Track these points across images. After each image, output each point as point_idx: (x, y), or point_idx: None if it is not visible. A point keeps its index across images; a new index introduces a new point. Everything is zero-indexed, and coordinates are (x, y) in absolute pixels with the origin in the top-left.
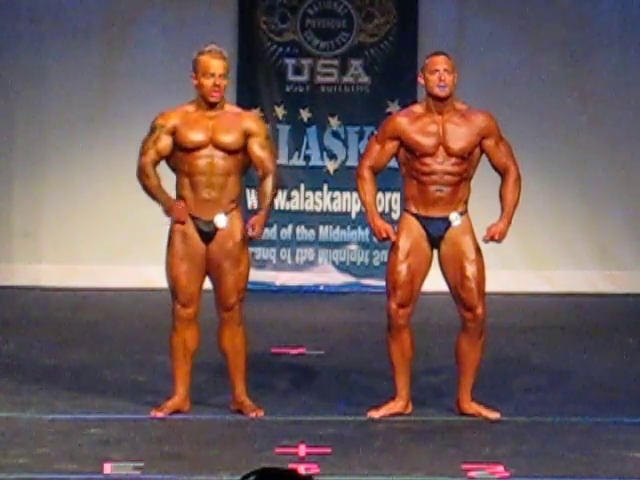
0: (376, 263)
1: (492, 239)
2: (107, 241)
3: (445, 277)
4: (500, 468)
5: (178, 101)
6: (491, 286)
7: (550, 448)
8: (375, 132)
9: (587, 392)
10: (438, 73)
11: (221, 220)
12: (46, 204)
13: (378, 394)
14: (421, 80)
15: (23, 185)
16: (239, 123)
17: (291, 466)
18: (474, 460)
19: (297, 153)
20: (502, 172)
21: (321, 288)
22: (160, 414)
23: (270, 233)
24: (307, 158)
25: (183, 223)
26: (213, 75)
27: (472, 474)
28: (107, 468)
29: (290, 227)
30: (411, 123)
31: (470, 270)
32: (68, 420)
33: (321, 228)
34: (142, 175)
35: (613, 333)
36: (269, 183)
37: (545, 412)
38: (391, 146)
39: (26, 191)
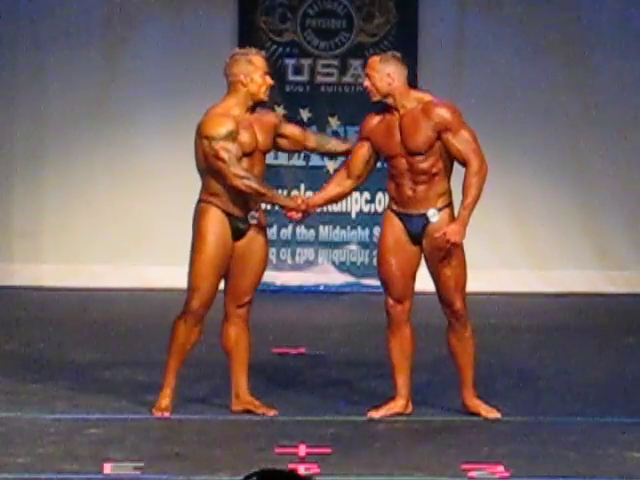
0: (376, 263)
1: (448, 242)
2: (107, 241)
3: (429, 272)
4: (500, 468)
5: (178, 101)
6: (491, 286)
7: (550, 448)
8: None
9: (587, 392)
10: (366, 78)
11: (254, 216)
12: (46, 204)
13: (378, 394)
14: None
15: (23, 185)
16: (269, 123)
17: (291, 466)
18: (474, 460)
19: (297, 153)
20: (464, 166)
21: (321, 288)
22: (167, 414)
23: (270, 233)
24: (307, 158)
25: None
26: (267, 74)
27: (472, 474)
28: (107, 468)
29: (290, 227)
30: (378, 124)
31: (449, 268)
32: (68, 420)
33: (321, 228)
34: (242, 182)
35: (613, 333)
36: (323, 134)
37: (545, 412)
38: (364, 147)
39: (26, 191)
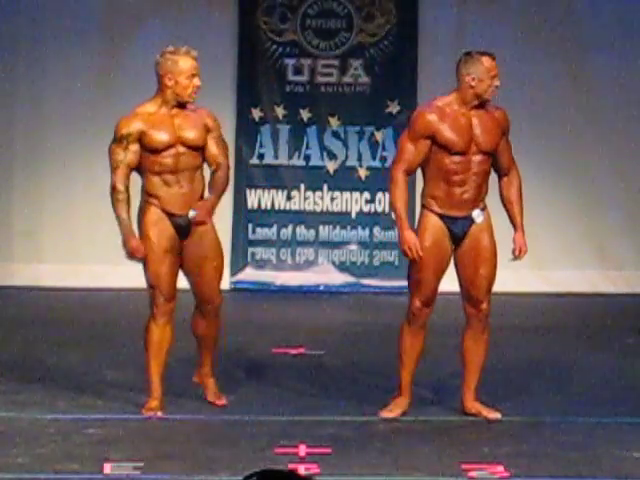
0: (376, 263)
1: (520, 253)
2: (107, 241)
3: (457, 272)
4: (500, 468)
5: None
6: None
7: (550, 448)
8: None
9: (587, 392)
10: (496, 79)
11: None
12: (46, 204)
13: (378, 394)
14: (471, 81)
15: (23, 185)
16: (199, 120)
17: (291, 466)
18: (474, 460)
19: (297, 153)
20: (505, 172)
21: (321, 288)
22: (160, 413)
23: (270, 233)
24: (307, 158)
25: (139, 260)
26: (194, 76)
27: (472, 474)
28: (107, 468)
29: (290, 227)
30: (442, 119)
31: (484, 268)
32: (68, 420)
33: (321, 228)
34: (115, 197)
35: (613, 333)
36: (222, 176)
37: (545, 412)
38: (424, 145)
39: (26, 191)
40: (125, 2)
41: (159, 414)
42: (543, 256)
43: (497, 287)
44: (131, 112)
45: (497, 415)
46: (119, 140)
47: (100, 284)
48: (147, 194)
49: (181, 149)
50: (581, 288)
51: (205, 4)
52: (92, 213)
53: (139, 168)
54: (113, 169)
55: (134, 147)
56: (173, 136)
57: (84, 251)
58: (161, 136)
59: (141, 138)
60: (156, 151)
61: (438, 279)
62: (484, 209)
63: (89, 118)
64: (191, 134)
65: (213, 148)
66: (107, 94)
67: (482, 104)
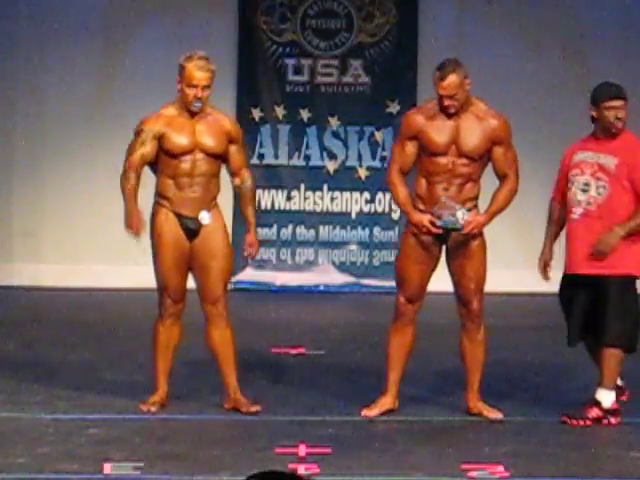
0: (376, 263)
1: (471, 230)
2: (107, 241)
3: (449, 271)
4: (500, 468)
5: None
6: (491, 286)
7: (550, 448)
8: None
9: (587, 392)
10: (446, 99)
11: (205, 217)
12: (46, 204)
13: (378, 394)
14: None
15: (23, 185)
16: (221, 128)
17: (291, 466)
18: (474, 460)
19: (297, 153)
20: (501, 179)
21: (321, 288)
22: (154, 409)
23: (270, 233)
24: (307, 158)
25: (136, 235)
26: (196, 86)
27: (472, 474)
28: (107, 468)
29: (290, 227)
30: (428, 121)
31: (471, 267)
32: (68, 420)
33: (321, 228)
34: (123, 177)
35: None
36: (250, 195)
37: (545, 412)
38: (411, 146)
39: (26, 191)
40: (125, 2)
41: (152, 409)
42: None
43: (496, 287)
44: (155, 113)
45: (499, 415)
46: (137, 134)
47: (100, 284)
48: (158, 195)
49: (199, 155)
50: None
51: (205, 4)
52: (92, 213)
53: (154, 168)
54: (127, 157)
55: (152, 143)
56: (192, 142)
57: (84, 251)
58: (180, 140)
59: (160, 139)
60: (174, 155)
61: (423, 277)
62: (471, 210)
63: (89, 118)
64: (211, 141)
65: (237, 158)
66: (107, 95)
67: (472, 107)
